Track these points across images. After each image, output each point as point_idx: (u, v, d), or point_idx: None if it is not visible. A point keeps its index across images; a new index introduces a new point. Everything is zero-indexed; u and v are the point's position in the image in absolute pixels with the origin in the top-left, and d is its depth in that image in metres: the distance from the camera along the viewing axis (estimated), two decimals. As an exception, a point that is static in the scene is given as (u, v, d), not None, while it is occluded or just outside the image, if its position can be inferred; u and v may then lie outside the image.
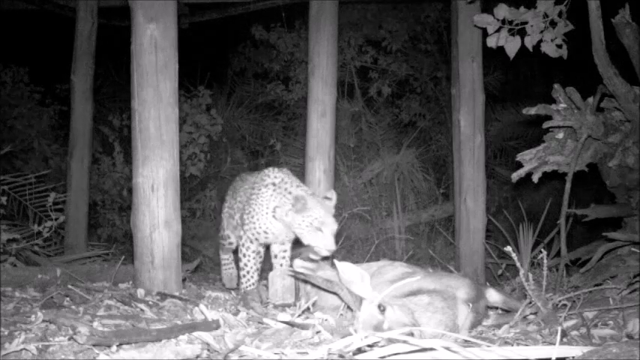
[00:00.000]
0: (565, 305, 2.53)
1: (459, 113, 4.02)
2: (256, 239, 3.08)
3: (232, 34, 6.80)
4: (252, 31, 6.37)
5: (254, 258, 3.13)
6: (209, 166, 5.99)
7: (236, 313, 2.44)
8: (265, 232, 3.04)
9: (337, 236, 2.95)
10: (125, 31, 3.08)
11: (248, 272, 3.14)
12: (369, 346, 1.50)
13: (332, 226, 2.84)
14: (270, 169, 3.12)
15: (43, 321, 2.00)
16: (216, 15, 5.45)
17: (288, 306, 2.87)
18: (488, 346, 1.62)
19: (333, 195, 3.04)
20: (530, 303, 2.41)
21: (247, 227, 3.07)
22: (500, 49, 3.00)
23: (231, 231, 3.43)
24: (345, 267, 2.25)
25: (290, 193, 2.94)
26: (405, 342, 1.38)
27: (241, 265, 3.15)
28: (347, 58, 6.29)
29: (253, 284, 3.14)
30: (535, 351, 1.44)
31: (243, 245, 3.12)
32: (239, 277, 3.23)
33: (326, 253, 2.82)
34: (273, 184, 3.01)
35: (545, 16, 2.91)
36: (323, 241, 2.81)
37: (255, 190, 3.06)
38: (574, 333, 2.25)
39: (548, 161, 3.25)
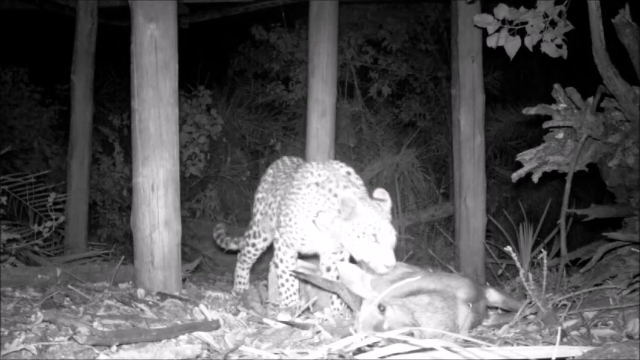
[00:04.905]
0: (565, 305, 2.53)
1: (459, 113, 4.02)
2: (292, 245, 2.65)
3: (232, 34, 6.80)
4: (252, 31, 6.37)
5: (292, 264, 2.71)
6: (209, 166, 5.99)
7: (236, 313, 2.44)
8: (302, 239, 2.60)
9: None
10: (125, 31, 3.08)
11: (287, 281, 2.71)
12: (369, 346, 1.50)
13: (389, 235, 2.31)
14: (314, 164, 2.64)
15: (43, 321, 2.00)
16: (216, 15, 5.45)
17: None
18: (488, 346, 1.62)
19: (385, 195, 2.50)
20: (530, 303, 2.41)
21: (283, 230, 2.65)
22: (500, 49, 3.00)
23: (268, 232, 3.04)
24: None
25: (336, 195, 2.42)
26: (405, 342, 1.37)
27: (279, 275, 2.73)
28: (347, 58, 6.29)
29: (295, 293, 2.73)
30: (535, 351, 1.44)
31: (279, 250, 2.70)
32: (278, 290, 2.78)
33: (383, 270, 2.28)
34: (316, 184, 2.52)
35: (545, 16, 2.90)
36: (379, 254, 2.27)
37: (295, 189, 2.58)
38: (574, 333, 2.25)
39: (548, 161, 3.25)
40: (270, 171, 3.08)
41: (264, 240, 3.09)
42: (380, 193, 2.51)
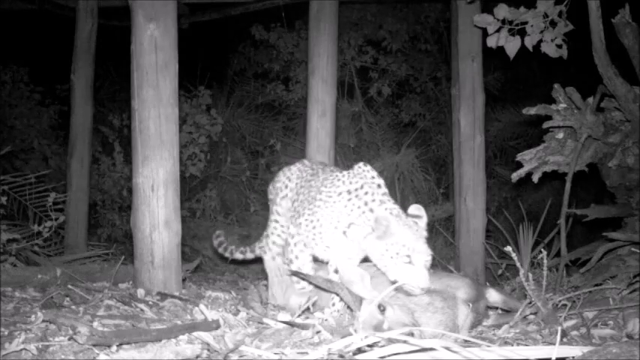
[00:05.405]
0: (565, 305, 2.54)
1: (459, 113, 4.02)
2: (312, 247, 2.54)
3: (232, 34, 6.79)
4: (252, 31, 6.37)
5: (306, 265, 2.59)
6: (209, 166, 5.99)
7: (236, 313, 2.44)
8: (327, 247, 2.50)
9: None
10: (125, 31, 3.08)
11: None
12: (369, 346, 1.50)
13: (424, 255, 2.24)
14: (345, 172, 2.51)
15: (43, 321, 2.01)
16: (216, 15, 5.45)
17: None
18: (488, 346, 1.62)
19: (421, 211, 2.39)
20: (530, 303, 2.42)
21: (306, 234, 2.51)
22: (500, 49, 3.00)
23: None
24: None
25: (372, 210, 2.32)
26: (405, 342, 1.37)
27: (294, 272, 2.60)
28: (347, 58, 6.29)
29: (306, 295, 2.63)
30: (535, 351, 1.44)
31: (295, 245, 2.58)
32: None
33: (418, 292, 2.20)
34: (348, 192, 2.41)
35: (545, 16, 2.90)
36: (413, 276, 2.19)
37: (324, 197, 2.46)
38: (574, 333, 2.25)
39: (548, 161, 3.25)
40: (292, 171, 2.89)
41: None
42: (415, 209, 2.40)
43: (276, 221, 2.91)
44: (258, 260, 3.36)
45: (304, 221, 2.51)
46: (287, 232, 2.69)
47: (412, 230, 2.26)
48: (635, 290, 2.70)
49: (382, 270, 2.28)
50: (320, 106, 3.97)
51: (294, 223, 2.60)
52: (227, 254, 3.25)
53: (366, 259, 2.47)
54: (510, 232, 4.07)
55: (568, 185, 3.08)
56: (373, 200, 2.34)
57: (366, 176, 2.44)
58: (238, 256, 3.22)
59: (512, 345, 2.04)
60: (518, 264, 2.44)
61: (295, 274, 2.61)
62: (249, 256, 3.20)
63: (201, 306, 2.37)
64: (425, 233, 2.32)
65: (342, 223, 2.39)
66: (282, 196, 2.86)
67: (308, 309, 2.51)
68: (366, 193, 2.36)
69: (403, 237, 2.21)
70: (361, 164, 2.51)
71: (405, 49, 6.45)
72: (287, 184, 2.86)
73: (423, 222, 2.35)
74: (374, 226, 2.24)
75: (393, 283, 2.21)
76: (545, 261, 2.49)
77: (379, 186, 2.42)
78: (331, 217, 2.42)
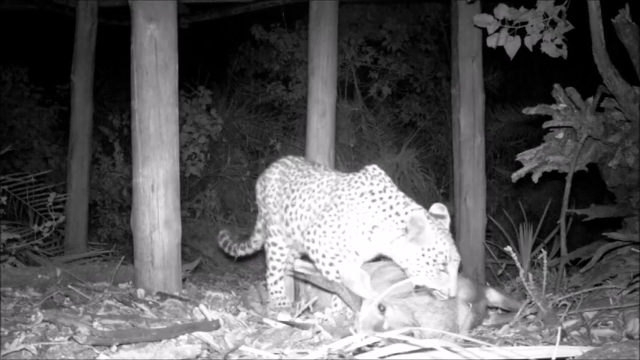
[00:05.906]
0: (565, 305, 2.54)
1: (459, 113, 4.02)
2: (337, 252, 2.39)
3: (232, 34, 6.80)
4: (252, 31, 6.38)
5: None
6: (209, 166, 5.99)
7: (236, 313, 2.44)
8: (355, 252, 2.38)
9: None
10: (125, 31, 3.08)
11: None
12: (369, 346, 1.50)
13: (457, 263, 2.18)
14: (359, 174, 2.41)
15: (43, 321, 2.01)
16: (216, 15, 5.46)
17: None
18: (488, 346, 1.62)
19: (444, 211, 2.31)
20: (530, 303, 2.42)
21: (330, 240, 2.36)
22: (500, 49, 3.00)
23: (284, 239, 2.81)
24: (345, 267, 2.25)
25: (398, 214, 2.24)
26: (405, 342, 1.37)
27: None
28: (347, 58, 6.30)
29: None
30: (535, 351, 1.44)
31: (324, 257, 2.40)
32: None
33: (445, 298, 2.17)
34: (371, 193, 2.31)
35: (545, 16, 2.90)
36: (446, 284, 2.14)
37: (344, 199, 2.34)
38: (574, 333, 2.25)
39: (548, 161, 3.25)
40: (276, 176, 2.82)
41: (280, 232, 2.81)
42: (438, 208, 2.32)
43: (274, 244, 2.84)
44: (258, 260, 3.36)
45: (329, 228, 2.37)
46: (304, 245, 2.49)
47: (445, 234, 2.19)
48: (635, 290, 2.70)
49: (409, 273, 2.21)
50: (320, 106, 3.97)
51: (313, 234, 2.42)
52: (232, 253, 3.28)
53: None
54: (510, 232, 4.07)
55: (568, 185, 3.08)
56: (398, 203, 2.27)
57: (384, 179, 2.37)
58: (241, 252, 3.27)
59: (512, 345, 2.04)
60: (518, 264, 2.44)
61: (295, 274, 2.60)
62: (249, 251, 3.25)
63: (201, 306, 2.37)
64: (450, 235, 2.25)
65: (366, 225, 2.29)
66: (275, 212, 2.79)
67: (308, 309, 2.51)
68: (390, 197, 2.29)
69: (440, 243, 2.15)
70: (375, 166, 2.43)
71: (405, 49, 6.45)
72: (275, 197, 2.79)
73: (447, 222, 2.29)
74: (408, 226, 2.16)
75: (417, 287, 2.18)
76: (545, 261, 2.49)
77: (397, 189, 2.37)
78: (357, 220, 2.31)
